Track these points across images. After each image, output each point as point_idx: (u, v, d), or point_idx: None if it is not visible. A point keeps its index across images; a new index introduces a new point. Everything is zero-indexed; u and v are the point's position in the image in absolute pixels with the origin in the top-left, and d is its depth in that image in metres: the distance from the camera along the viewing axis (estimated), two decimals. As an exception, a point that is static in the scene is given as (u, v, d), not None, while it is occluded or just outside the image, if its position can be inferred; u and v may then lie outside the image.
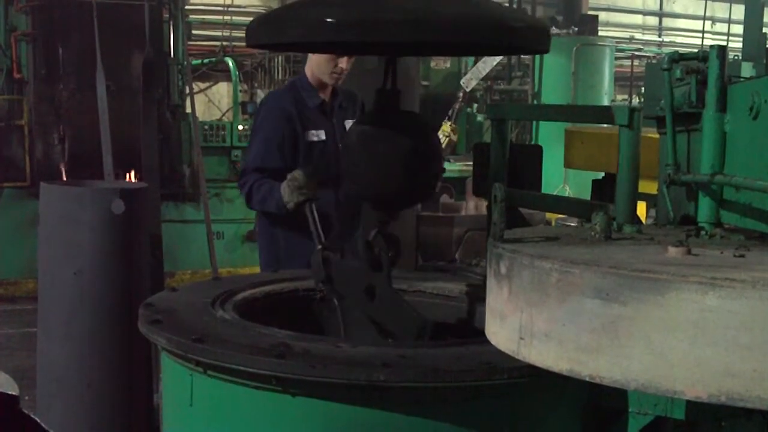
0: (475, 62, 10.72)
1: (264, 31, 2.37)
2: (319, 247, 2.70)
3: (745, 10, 13.17)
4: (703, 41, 16.01)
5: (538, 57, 13.49)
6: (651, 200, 2.80)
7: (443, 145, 2.95)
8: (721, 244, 1.93)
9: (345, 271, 2.68)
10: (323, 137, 3.74)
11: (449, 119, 2.65)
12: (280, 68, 15.94)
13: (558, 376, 1.68)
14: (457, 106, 2.77)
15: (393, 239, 2.57)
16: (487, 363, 1.96)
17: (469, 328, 2.71)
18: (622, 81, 17.41)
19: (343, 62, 3.76)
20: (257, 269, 4.20)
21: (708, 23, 18.63)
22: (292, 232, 3.61)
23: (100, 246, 3.69)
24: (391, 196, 2.56)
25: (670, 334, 1.50)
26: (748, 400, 1.45)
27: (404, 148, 2.47)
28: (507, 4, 14.08)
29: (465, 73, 11.59)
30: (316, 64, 3.80)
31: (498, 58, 3.17)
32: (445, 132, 2.61)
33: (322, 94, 3.85)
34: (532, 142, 12.45)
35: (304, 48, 3.37)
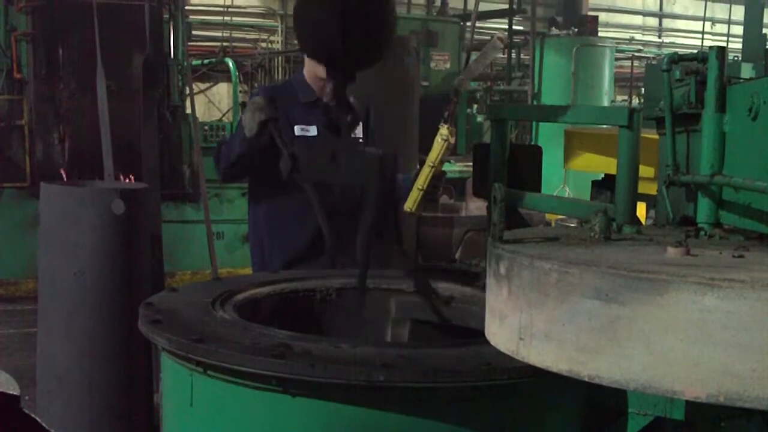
0: (467, 62, 10.73)
1: None
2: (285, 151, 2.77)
3: (745, 11, 13.18)
4: (702, 42, 16.03)
5: (538, 58, 13.52)
6: (650, 201, 2.81)
7: (441, 150, 2.94)
8: (720, 244, 1.93)
9: (308, 152, 2.74)
10: (314, 132, 3.75)
11: (445, 122, 2.64)
12: (280, 69, 15.97)
13: (558, 377, 1.68)
14: (451, 107, 2.77)
15: (347, 102, 2.58)
16: (487, 363, 1.95)
17: (468, 328, 2.71)
18: (622, 82, 17.45)
19: None
20: (257, 270, 4.21)
21: (708, 24, 18.66)
22: (274, 213, 3.67)
23: (101, 246, 3.69)
24: (338, 53, 2.55)
25: (669, 334, 1.50)
26: (747, 400, 1.45)
27: (347, 3, 2.45)
28: (508, 5, 14.15)
29: (466, 74, 11.60)
30: (310, 59, 3.82)
31: (492, 57, 3.15)
32: (443, 135, 2.58)
33: (321, 92, 3.85)
34: (532, 143, 12.47)
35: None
